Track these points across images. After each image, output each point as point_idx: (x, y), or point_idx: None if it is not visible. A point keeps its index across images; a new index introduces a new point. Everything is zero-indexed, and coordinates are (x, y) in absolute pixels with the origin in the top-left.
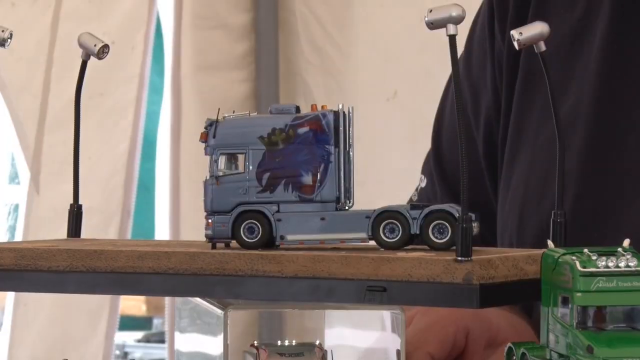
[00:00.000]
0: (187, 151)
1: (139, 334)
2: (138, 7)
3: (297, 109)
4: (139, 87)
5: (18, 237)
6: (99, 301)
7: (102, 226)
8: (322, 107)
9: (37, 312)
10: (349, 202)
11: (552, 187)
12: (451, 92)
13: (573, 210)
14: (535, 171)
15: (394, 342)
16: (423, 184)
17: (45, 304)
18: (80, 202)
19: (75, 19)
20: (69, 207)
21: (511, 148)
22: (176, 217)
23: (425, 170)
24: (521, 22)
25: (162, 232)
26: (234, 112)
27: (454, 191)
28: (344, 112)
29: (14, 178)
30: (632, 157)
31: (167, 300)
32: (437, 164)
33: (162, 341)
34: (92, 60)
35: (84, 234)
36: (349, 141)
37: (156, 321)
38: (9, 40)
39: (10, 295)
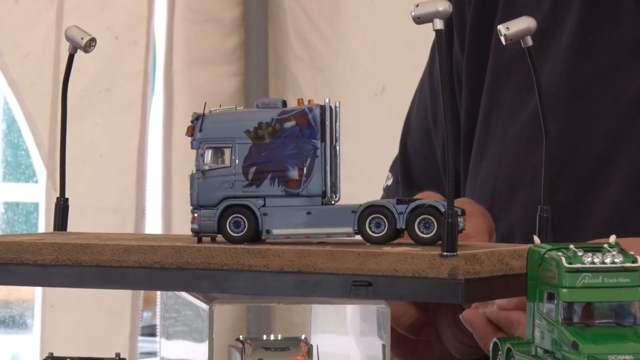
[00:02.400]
0: (178, 145)
1: None
2: (138, 1)
3: (284, 103)
4: (144, 82)
5: None
6: (120, 301)
7: (119, 225)
8: (309, 101)
9: (64, 313)
10: (335, 197)
11: (521, 181)
12: (417, 96)
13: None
14: (503, 166)
15: (380, 337)
16: (389, 182)
17: (70, 305)
18: (94, 199)
19: (79, 14)
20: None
21: (479, 144)
22: (167, 211)
23: (392, 170)
24: (482, 24)
25: (153, 226)
26: (220, 105)
27: (416, 194)
28: (330, 107)
29: (32, 177)
30: (600, 146)
31: (159, 293)
32: (402, 166)
33: (152, 334)
34: (99, 55)
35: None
36: (335, 135)
37: (146, 314)
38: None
39: (37, 297)
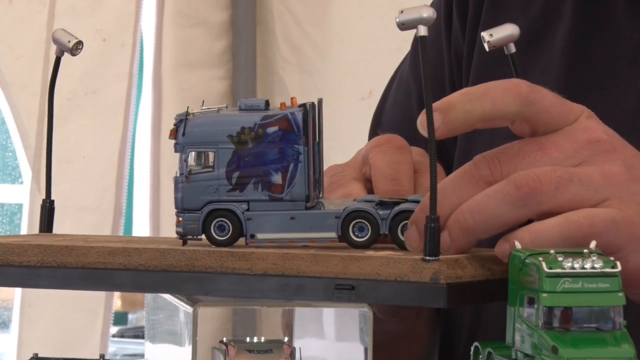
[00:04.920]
0: (167, 147)
1: (114, 329)
2: (127, 4)
3: (267, 104)
4: (128, 85)
5: None
6: (96, 301)
7: (98, 225)
8: (292, 100)
9: (41, 312)
10: (319, 195)
11: None
12: (392, 91)
13: None
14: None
15: (362, 340)
16: None
17: (48, 305)
18: (76, 200)
19: (70, 15)
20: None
21: (464, 139)
22: (156, 214)
23: None
24: (477, 22)
25: (141, 228)
26: (202, 102)
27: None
28: (313, 105)
29: (17, 178)
30: None
31: (145, 295)
32: None
33: (137, 336)
34: (87, 57)
35: (81, 233)
36: (318, 136)
37: (131, 316)
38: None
39: (17, 297)
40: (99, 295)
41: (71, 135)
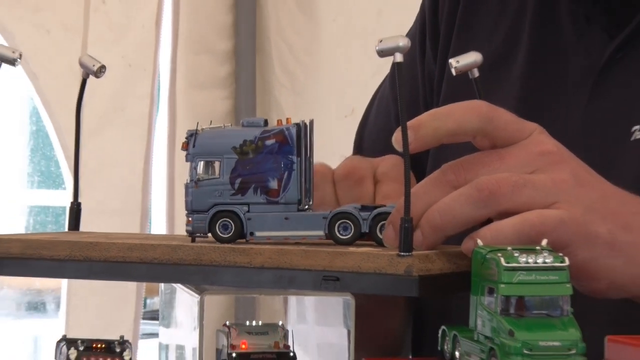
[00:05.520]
0: (180, 157)
1: None
2: (148, 34)
3: (265, 122)
4: (150, 103)
5: None
6: (129, 290)
7: (127, 225)
8: (287, 120)
9: (84, 300)
10: (309, 201)
11: None
12: (374, 109)
13: None
14: None
15: (346, 324)
16: None
17: (89, 294)
18: (108, 203)
19: (100, 44)
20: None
21: (435, 151)
22: (171, 214)
23: None
24: (447, 51)
25: (159, 227)
26: (210, 122)
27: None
28: (305, 125)
29: (60, 184)
30: None
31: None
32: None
33: (154, 318)
34: (115, 80)
35: (112, 232)
36: (308, 150)
37: (149, 301)
38: (18, 60)
39: (64, 287)
40: (132, 285)
41: (104, 147)
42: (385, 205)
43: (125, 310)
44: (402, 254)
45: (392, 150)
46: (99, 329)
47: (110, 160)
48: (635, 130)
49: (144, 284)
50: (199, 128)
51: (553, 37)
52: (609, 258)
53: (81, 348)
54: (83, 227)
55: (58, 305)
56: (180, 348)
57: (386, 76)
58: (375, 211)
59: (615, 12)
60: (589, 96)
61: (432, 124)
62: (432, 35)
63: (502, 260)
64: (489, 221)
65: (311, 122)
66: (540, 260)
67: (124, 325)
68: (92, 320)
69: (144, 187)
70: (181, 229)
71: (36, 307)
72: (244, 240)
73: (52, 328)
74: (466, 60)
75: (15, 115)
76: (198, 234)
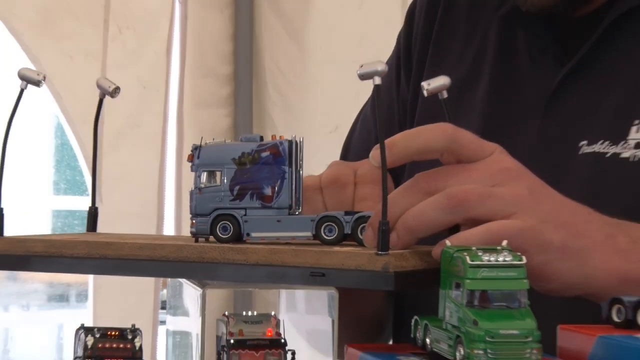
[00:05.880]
0: (187, 168)
1: None
2: (159, 59)
3: (261, 138)
4: (163, 120)
5: None
6: (148, 284)
7: (145, 227)
8: (280, 137)
9: (109, 292)
10: (299, 208)
11: None
12: (358, 127)
13: None
14: None
15: (330, 314)
16: None
17: (113, 287)
18: (127, 207)
19: (118, 68)
20: (86, 210)
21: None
22: (179, 217)
23: None
24: (419, 77)
25: (169, 229)
26: (213, 139)
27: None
28: (296, 141)
29: (84, 191)
30: None
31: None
32: None
33: (163, 307)
34: (132, 100)
35: (127, 233)
36: (299, 162)
37: (161, 292)
38: (42, 81)
39: (90, 281)
40: (150, 279)
41: (123, 158)
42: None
43: (146, 302)
44: (380, 253)
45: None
46: (122, 318)
47: (129, 170)
48: (582, 145)
49: (161, 278)
50: (203, 142)
51: (511, 65)
52: (562, 261)
53: (97, 335)
54: (106, 228)
55: (80, 297)
56: (185, 334)
57: (368, 99)
58: (357, 215)
59: (566, 43)
60: (542, 116)
61: (404, 143)
62: (405, 67)
63: (468, 258)
64: (456, 225)
65: (302, 140)
66: (500, 258)
67: (145, 314)
68: (115, 311)
69: (159, 193)
70: (186, 231)
71: (62, 298)
72: (241, 241)
73: (76, 317)
74: (436, 83)
75: (42, 131)
76: (201, 235)
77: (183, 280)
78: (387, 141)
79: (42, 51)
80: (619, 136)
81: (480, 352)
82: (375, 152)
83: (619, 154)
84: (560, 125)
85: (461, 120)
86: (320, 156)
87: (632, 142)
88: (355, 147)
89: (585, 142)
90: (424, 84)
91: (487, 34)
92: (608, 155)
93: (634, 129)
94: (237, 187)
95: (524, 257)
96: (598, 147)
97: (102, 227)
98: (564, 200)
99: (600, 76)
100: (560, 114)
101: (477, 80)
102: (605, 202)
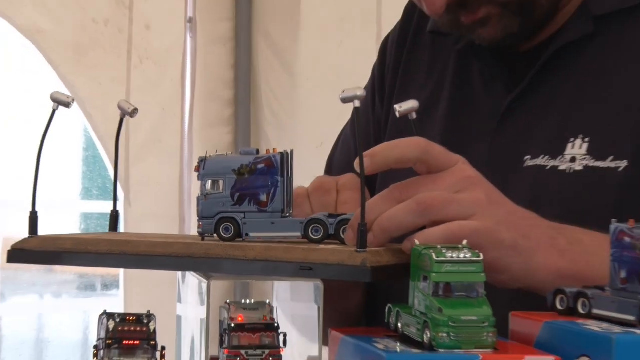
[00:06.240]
0: (194, 177)
1: None
2: (175, 86)
3: (257, 151)
4: (180, 137)
5: None
6: (169, 277)
7: (168, 228)
8: (274, 150)
9: (137, 283)
10: (290, 211)
11: None
12: (340, 144)
13: None
14: None
15: (317, 302)
16: None
17: (141, 279)
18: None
19: (141, 92)
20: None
21: (383, 174)
22: (188, 220)
23: None
24: (391, 100)
25: (189, 228)
26: (216, 151)
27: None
28: (287, 154)
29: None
30: None
31: (179, 272)
32: None
33: None
34: (154, 120)
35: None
36: (290, 172)
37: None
38: (71, 103)
39: (121, 274)
40: (173, 273)
41: (147, 169)
42: (346, 214)
43: (170, 291)
44: (359, 250)
45: (352, 172)
46: (150, 305)
47: (153, 178)
48: (526, 159)
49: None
50: (208, 155)
51: (467, 91)
52: (511, 258)
53: (117, 320)
54: (135, 228)
55: (106, 287)
56: (192, 319)
57: (348, 121)
58: (339, 218)
59: (513, 72)
60: (493, 134)
61: (384, 153)
62: (379, 92)
63: (434, 255)
64: (423, 228)
65: (292, 152)
66: (462, 255)
67: (169, 302)
68: (142, 299)
69: (180, 199)
70: (194, 231)
71: (89, 288)
72: (241, 239)
73: (105, 306)
74: (407, 106)
75: (74, 145)
76: (206, 235)
77: (191, 273)
78: (369, 152)
79: (76, 78)
80: (557, 151)
81: (444, 335)
82: (357, 161)
83: (557, 166)
84: (508, 142)
85: (425, 137)
86: (308, 168)
87: (568, 157)
88: (337, 162)
89: (529, 156)
90: (397, 106)
91: (446, 64)
92: (548, 167)
93: (569, 145)
94: (237, 194)
95: (481, 255)
96: (539, 161)
97: (131, 227)
98: (514, 206)
99: (541, 100)
100: (508, 132)
101: (438, 103)
102: (545, 208)
